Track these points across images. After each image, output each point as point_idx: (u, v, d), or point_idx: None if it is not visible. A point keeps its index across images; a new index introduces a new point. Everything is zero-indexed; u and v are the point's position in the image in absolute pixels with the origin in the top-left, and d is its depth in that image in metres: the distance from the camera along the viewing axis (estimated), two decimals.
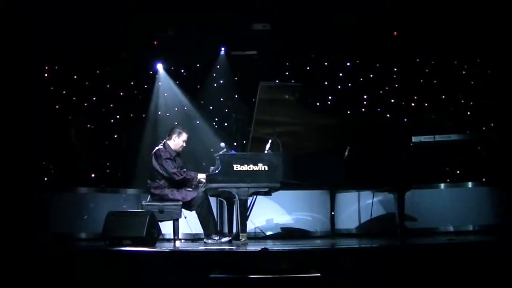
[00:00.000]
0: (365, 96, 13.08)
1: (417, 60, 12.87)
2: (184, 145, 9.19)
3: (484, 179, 11.36)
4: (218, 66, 13.22)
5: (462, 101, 12.65)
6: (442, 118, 12.47)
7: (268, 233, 11.07)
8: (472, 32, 11.96)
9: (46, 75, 12.04)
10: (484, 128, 12.31)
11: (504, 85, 11.82)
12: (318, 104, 12.76)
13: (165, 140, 9.15)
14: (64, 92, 12.32)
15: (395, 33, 12.82)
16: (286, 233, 11.15)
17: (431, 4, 11.91)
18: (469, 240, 8.74)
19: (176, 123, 9.56)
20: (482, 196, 10.70)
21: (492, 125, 12.26)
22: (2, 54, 9.88)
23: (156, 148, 9.03)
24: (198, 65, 13.29)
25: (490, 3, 11.42)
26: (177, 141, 9.09)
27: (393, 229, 9.36)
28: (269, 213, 11.18)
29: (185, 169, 9.07)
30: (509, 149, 11.44)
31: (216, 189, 8.75)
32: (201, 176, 8.88)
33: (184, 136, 9.14)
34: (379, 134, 9.74)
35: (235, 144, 11.96)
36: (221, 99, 13.15)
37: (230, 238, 9.03)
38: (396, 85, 12.96)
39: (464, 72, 12.70)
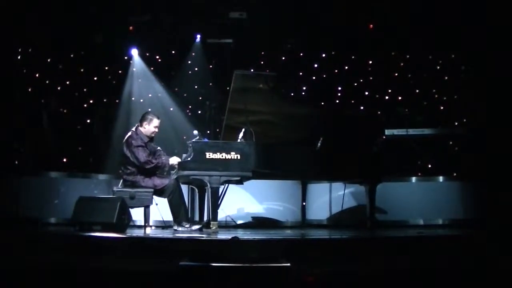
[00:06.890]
0: (339, 88, 13.11)
1: (392, 53, 12.93)
2: (156, 130, 9.06)
3: (454, 174, 11.46)
4: (193, 54, 13.16)
5: (436, 95, 12.73)
6: (415, 112, 12.53)
7: (239, 222, 11.05)
8: (448, 27, 12.03)
9: (18, 57, 11.91)
10: (456, 123, 12.40)
11: (477, 81, 11.90)
12: (292, 94, 12.74)
13: (137, 126, 9.02)
14: (37, 75, 12.20)
15: (371, 26, 12.86)
16: (257, 222, 11.14)
17: None
18: (438, 234, 8.81)
19: (149, 110, 9.45)
20: (452, 191, 10.77)
21: (464, 120, 12.36)
22: None
23: (128, 135, 8.92)
24: (173, 52, 13.22)
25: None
26: (148, 128, 8.96)
27: (364, 221, 9.43)
28: (241, 202, 11.16)
29: (159, 154, 9.01)
30: (479, 145, 11.54)
31: (188, 176, 8.71)
32: (174, 161, 8.85)
33: (155, 122, 9.01)
34: (352, 126, 9.75)
35: (208, 132, 11.90)
36: (195, 87, 13.08)
37: (201, 226, 8.98)
38: (371, 78, 13.00)
39: (438, 67, 12.78)
